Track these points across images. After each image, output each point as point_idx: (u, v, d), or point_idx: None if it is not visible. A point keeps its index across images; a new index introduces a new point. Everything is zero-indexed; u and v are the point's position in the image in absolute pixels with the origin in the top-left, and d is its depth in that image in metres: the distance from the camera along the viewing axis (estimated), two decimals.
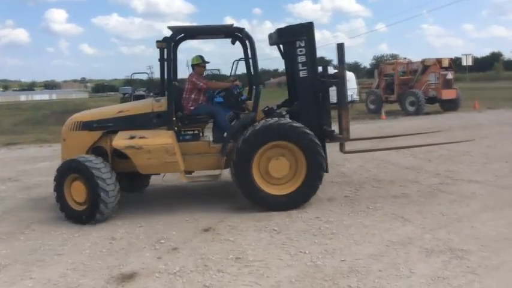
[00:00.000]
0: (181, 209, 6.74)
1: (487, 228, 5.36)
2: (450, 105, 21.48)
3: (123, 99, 23.01)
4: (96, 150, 6.64)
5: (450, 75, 21.41)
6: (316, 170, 6.36)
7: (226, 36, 7.13)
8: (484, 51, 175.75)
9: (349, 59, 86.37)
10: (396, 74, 22.51)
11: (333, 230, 5.54)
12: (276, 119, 6.46)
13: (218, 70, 29.56)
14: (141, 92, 22.99)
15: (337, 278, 4.23)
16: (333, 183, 7.84)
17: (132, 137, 6.27)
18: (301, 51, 6.74)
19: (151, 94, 23.18)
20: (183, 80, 8.05)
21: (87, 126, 6.60)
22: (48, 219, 6.50)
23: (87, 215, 6.13)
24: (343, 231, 5.49)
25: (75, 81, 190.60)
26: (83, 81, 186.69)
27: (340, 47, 6.71)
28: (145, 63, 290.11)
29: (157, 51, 6.79)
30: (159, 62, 7.08)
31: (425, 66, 21.67)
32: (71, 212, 6.23)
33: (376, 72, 25.16)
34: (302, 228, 5.64)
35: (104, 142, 6.60)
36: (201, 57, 7.08)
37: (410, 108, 20.88)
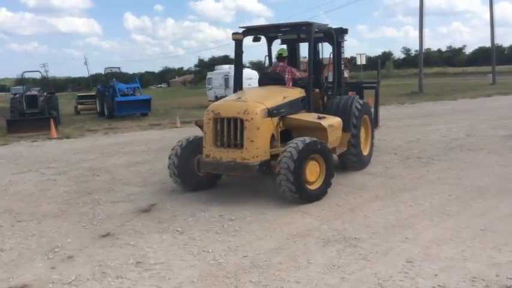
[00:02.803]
0: (77, 214, 6.44)
1: (377, 216, 5.75)
2: None
3: (13, 100, 21.20)
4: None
5: (346, 74, 22.64)
6: (373, 133, 9.09)
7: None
8: (376, 51, 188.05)
9: (253, 58, 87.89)
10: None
11: (236, 226, 5.61)
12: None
13: (118, 68, 28.80)
14: (34, 92, 21.38)
15: (239, 274, 4.29)
16: (236, 181, 7.92)
17: (320, 118, 6.98)
18: (343, 48, 8.79)
19: (45, 94, 21.81)
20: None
21: (271, 113, 6.65)
22: None
23: (321, 191, 6.57)
24: (245, 227, 5.58)
25: None
26: None
27: (377, 62, 10.77)
28: (39, 61, 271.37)
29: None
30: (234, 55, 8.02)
31: (323, 65, 22.70)
32: (307, 192, 6.39)
33: None
34: (205, 227, 5.64)
35: (275, 127, 6.80)
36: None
37: None
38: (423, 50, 35.42)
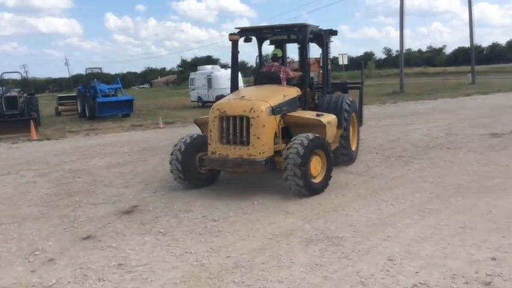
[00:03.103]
0: (58, 216, 6.36)
1: (359, 215, 5.80)
2: None
3: None
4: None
5: None
6: (359, 128, 9.62)
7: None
8: (358, 51, 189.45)
9: None
10: None
11: (219, 227, 5.60)
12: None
13: (100, 69, 28.50)
14: (14, 93, 21.02)
15: (222, 275, 4.28)
16: (219, 182, 7.90)
17: (319, 115, 7.28)
18: (329, 49, 8.94)
19: (25, 95, 21.45)
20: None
21: (274, 111, 6.88)
22: None
23: (323, 184, 6.85)
24: (228, 227, 5.57)
25: None
26: None
27: (361, 63, 10.88)
28: (19, 61, 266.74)
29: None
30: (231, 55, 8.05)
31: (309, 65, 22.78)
32: (312, 186, 6.65)
33: None
34: (188, 228, 5.61)
35: (278, 125, 7.03)
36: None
37: None
38: (404, 50, 35.86)
